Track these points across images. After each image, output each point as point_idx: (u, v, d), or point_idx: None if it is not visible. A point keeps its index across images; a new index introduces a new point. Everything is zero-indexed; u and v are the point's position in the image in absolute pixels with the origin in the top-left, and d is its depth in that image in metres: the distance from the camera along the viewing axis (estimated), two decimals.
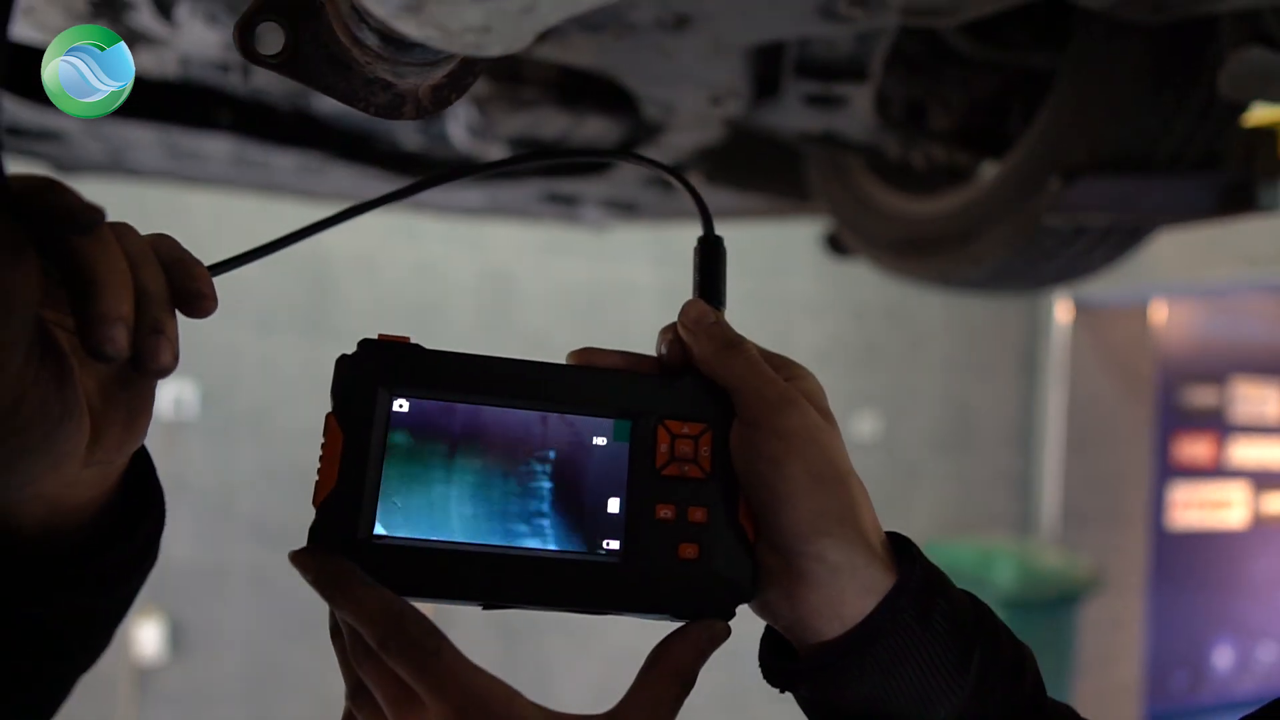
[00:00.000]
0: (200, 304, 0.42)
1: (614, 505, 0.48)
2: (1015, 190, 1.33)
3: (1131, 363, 4.96)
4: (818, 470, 0.47)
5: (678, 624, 0.47)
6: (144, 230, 0.42)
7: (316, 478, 0.45)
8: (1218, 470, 5.43)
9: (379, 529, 0.45)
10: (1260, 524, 5.55)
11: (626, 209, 1.98)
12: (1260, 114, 1.33)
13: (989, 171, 1.50)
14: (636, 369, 0.51)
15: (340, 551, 0.44)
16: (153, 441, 0.46)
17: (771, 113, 1.31)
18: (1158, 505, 5.18)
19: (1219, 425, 5.43)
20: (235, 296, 3.28)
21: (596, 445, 0.48)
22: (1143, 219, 1.27)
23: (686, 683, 0.45)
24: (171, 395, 3.23)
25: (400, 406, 0.47)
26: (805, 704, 0.49)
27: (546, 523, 0.47)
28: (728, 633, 0.47)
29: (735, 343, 0.50)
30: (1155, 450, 5.11)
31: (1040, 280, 1.53)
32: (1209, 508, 5.39)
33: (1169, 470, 5.24)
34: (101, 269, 0.37)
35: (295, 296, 3.45)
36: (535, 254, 3.79)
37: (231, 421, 3.38)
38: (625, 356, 0.52)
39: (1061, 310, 4.73)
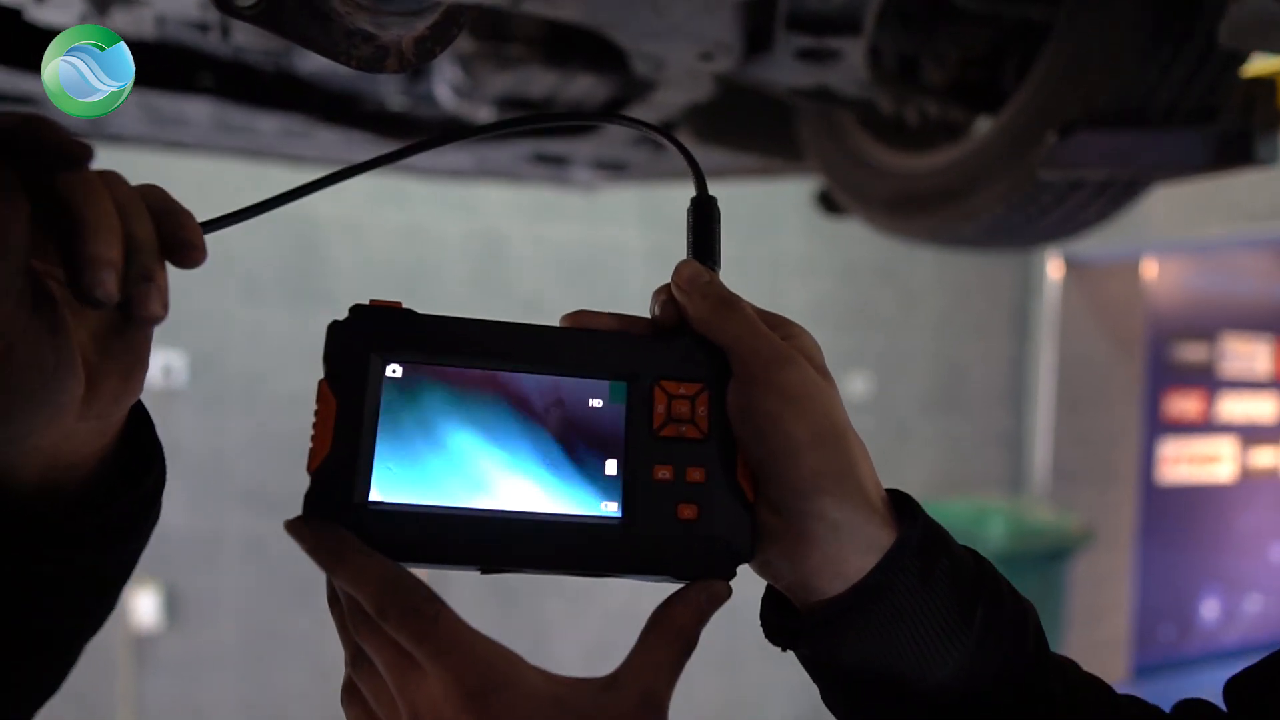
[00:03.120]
0: (189, 254, 0.41)
1: (612, 467, 0.47)
2: (1010, 145, 1.32)
3: (1122, 319, 4.97)
4: (816, 427, 0.46)
5: (678, 585, 0.47)
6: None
7: (310, 445, 0.44)
8: (1207, 425, 5.47)
9: (374, 494, 0.45)
10: (1248, 478, 5.61)
11: (616, 169, 1.96)
12: (1259, 64, 1.31)
13: (983, 127, 1.48)
14: (630, 330, 0.50)
15: (336, 518, 0.44)
16: None
17: (763, 68, 1.29)
18: (1147, 461, 5.22)
19: (1208, 381, 5.46)
20: (222, 263, 3.23)
21: (593, 407, 0.48)
22: (1140, 173, 1.25)
23: (688, 644, 0.45)
24: (160, 363, 3.21)
25: (393, 371, 0.46)
26: (806, 662, 0.49)
27: (543, 485, 0.46)
28: (728, 593, 0.47)
29: (730, 301, 0.49)
30: (1145, 406, 5.14)
31: (1035, 236, 1.52)
32: (1198, 462, 5.44)
33: (1159, 426, 5.28)
34: (91, 211, 0.37)
35: (283, 262, 3.41)
36: (525, 216, 3.75)
37: (222, 389, 3.36)
38: (618, 318, 0.51)
39: (1053, 268, 4.72)
